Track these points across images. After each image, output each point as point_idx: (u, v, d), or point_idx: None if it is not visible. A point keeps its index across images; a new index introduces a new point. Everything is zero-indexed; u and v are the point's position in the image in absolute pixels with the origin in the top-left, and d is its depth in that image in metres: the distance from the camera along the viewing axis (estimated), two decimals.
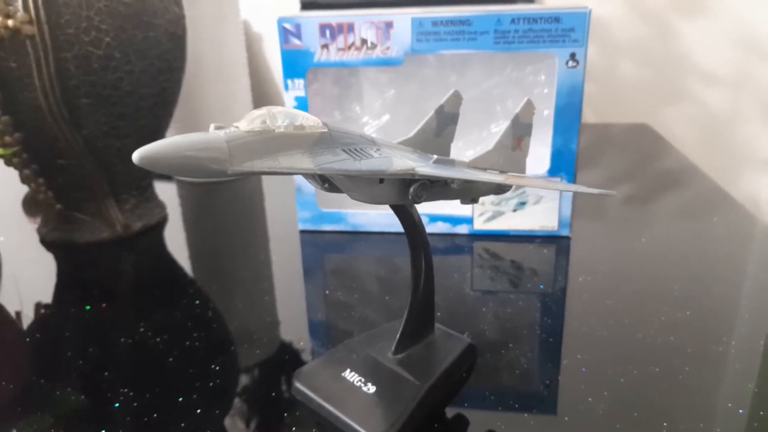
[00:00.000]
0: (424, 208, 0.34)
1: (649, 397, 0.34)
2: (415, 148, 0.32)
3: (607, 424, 0.32)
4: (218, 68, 0.73)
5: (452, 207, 0.55)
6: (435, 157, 0.31)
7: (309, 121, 0.25)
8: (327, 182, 0.28)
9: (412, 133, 0.34)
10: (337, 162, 0.25)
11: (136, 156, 0.20)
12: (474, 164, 0.34)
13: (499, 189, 0.36)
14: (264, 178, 0.77)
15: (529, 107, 0.36)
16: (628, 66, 0.94)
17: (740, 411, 0.33)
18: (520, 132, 0.36)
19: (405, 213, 0.32)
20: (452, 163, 0.32)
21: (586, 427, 0.32)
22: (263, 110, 0.24)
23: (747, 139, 0.92)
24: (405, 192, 0.30)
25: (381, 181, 0.28)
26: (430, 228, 0.54)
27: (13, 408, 0.35)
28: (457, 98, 0.35)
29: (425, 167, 0.29)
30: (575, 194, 0.54)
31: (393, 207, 0.32)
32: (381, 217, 0.57)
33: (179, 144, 0.21)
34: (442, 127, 0.35)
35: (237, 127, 0.23)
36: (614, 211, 0.63)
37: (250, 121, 0.23)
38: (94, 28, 0.48)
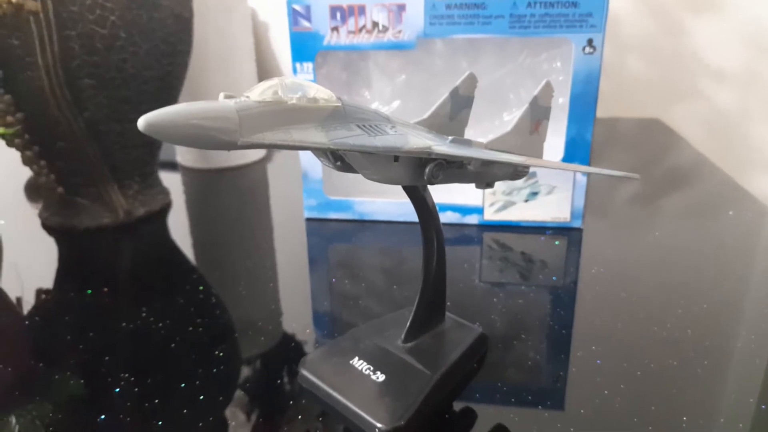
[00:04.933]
0: (433, 197, 0.33)
1: (667, 391, 0.33)
2: (429, 129, 0.31)
3: (624, 417, 0.31)
4: (224, 55, 0.72)
5: (462, 196, 0.54)
6: (451, 137, 0.30)
7: (323, 93, 0.24)
8: (339, 160, 0.27)
9: (426, 115, 0.32)
10: (351, 137, 0.24)
11: (142, 122, 0.19)
12: (491, 146, 0.33)
13: (516, 174, 0.35)
14: (269, 163, 0.76)
15: (548, 89, 0.35)
16: (638, 62, 0.93)
17: (762, 406, 0.32)
18: (538, 115, 0.35)
19: (418, 196, 0.31)
20: (469, 143, 0.31)
21: (602, 421, 0.31)
22: (275, 80, 0.23)
23: (757, 136, 0.91)
24: (420, 172, 0.28)
25: (396, 159, 0.27)
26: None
27: (13, 393, 0.34)
28: (472, 81, 0.34)
29: (442, 146, 0.28)
30: (588, 186, 0.53)
31: (406, 189, 0.31)
32: (389, 206, 0.56)
33: (187, 111, 0.20)
34: (457, 110, 0.34)
35: (248, 96, 0.22)
36: (627, 203, 0.62)
37: (262, 91, 0.22)
38: (98, 6, 0.47)
